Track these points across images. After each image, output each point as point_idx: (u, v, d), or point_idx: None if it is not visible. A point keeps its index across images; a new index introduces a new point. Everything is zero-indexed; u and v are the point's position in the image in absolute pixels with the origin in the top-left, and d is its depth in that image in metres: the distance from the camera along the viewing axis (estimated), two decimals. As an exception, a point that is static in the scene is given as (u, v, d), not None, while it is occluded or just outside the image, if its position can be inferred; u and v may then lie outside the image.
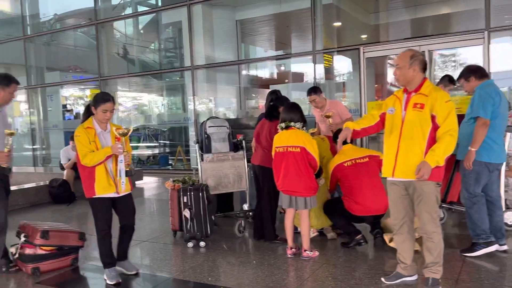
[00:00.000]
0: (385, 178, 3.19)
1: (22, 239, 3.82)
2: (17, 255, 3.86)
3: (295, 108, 3.87)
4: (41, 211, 6.70)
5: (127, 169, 3.34)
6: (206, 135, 5.00)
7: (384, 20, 10.52)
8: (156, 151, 12.81)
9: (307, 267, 3.70)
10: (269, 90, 5.02)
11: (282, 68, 13.23)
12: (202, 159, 5.00)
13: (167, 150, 12.73)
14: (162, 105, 14.64)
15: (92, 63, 11.94)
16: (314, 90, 4.98)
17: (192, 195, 4.34)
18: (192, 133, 11.06)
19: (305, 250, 3.84)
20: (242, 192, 5.44)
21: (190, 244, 4.34)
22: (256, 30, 12.51)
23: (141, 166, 11.52)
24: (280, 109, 4.35)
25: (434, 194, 2.97)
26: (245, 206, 5.23)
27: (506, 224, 4.20)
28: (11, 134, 3.55)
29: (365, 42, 9.17)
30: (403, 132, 3.03)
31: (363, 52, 8.25)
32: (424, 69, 3.02)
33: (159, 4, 11.96)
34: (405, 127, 3.02)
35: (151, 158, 12.45)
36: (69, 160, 7.47)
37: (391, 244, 3.97)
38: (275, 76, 13.37)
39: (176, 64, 12.85)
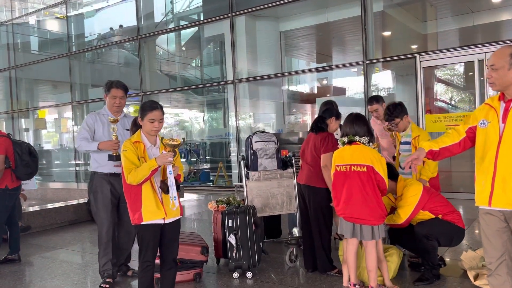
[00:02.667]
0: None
1: None
2: None
3: (360, 119, 3.29)
4: (79, 230, 6.44)
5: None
6: (252, 151, 4.55)
7: (442, 28, 9.79)
8: (197, 167, 12.51)
9: (375, 309, 3.11)
10: (324, 101, 4.48)
11: (325, 82, 12.66)
12: (248, 177, 4.55)
13: (209, 166, 12.41)
14: (203, 120, 14.44)
15: (136, 80, 11.91)
16: (376, 99, 4.37)
17: (238, 219, 3.86)
18: (232, 148, 10.67)
19: (372, 288, 3.25)
20: (291, 214, 4.93)
21: (235, 275, 3.84)
22: (301, 41, 12.07)
23: (182, 183, 11.19)
24: (328, 121, 3.85)
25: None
26: (295, 231, 4.68)
27: None
28: (115, 121, 3.63)
29: (422, 50, 8.47)
30: (502, 150, 2.40)
31: (420, 61, 7.58)
32: (528, 69, 2.40)
33: (201, 18, 11.78)
34: (504, 144, 2.40)
35: (192, 174, 12.15)
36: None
37: (477, 283, 3.32)
38: (315, 90, 12.83)
39: (218, 78, 12.60)
